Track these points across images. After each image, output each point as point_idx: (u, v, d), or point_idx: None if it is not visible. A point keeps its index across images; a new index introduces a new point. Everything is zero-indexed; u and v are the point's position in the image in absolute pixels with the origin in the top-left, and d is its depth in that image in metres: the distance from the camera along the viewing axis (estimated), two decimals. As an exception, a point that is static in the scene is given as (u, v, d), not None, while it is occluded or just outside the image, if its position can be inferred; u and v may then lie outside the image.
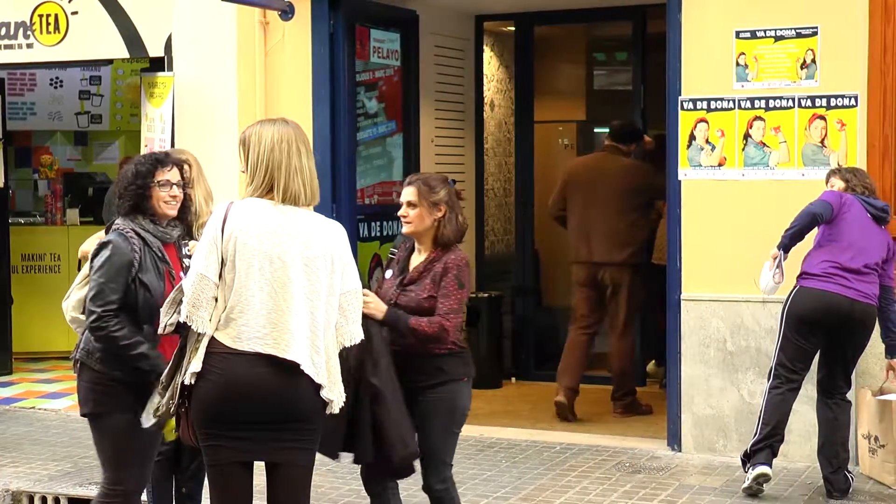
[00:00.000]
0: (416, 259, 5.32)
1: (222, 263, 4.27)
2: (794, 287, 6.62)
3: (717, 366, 7.46)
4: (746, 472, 6.63)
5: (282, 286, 4.26)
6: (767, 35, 7.33)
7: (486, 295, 10.06)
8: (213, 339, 4.28)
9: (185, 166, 5.27)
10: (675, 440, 7.63)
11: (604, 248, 8.87)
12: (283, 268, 4.27)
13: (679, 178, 7.55)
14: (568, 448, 7.77)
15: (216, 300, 4.28)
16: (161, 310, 4.48)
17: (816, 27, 7.22)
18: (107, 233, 5.18)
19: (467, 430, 8.19)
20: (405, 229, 5.28)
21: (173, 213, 5.14)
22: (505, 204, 11.10)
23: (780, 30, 7.30)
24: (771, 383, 6.66)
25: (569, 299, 11.11)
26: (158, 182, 5.06)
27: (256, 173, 4.36)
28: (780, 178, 7.32)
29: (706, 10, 7.45)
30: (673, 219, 7.61)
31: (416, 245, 5.35)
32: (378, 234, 8.97)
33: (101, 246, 5.00)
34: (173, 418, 4.55)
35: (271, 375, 4.25)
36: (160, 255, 5.06)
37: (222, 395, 4.25)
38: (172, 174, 5.11)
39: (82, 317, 5.17)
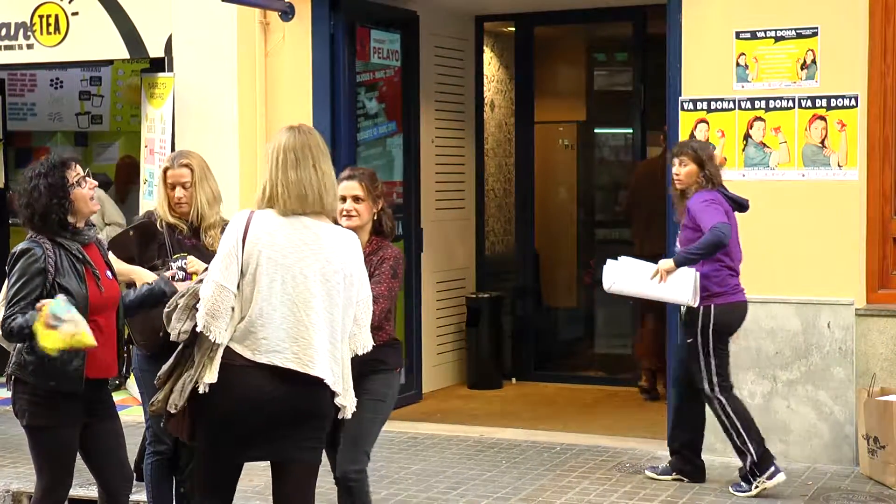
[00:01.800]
0: None
1: (241, 274, 4.27)
2: (709, 306, 6.66)
3: (717, 366, 7.45)
4: (757, 483, 6.63)
5: (304, 301, 4.28)
6: (768, 35, 7.33)
7: (486, 295, 10.07)
8: (228, 350, 4.28)
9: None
10: (675, 441, 7.63)
11: (656, 237, 9.08)
12: (304, 282, 4.28)
13: (679, 179, 7.55)
14: (568, 448, 7.76)
15: (233, 310, 4.27)
16: (173, 315, 4.42)
17: (817, 28, 7.23)
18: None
19: (468, 431, 8.26)
20: (348, 223, 5.14)
21: (97, 206, 5.12)
22: (505, 204, 11.11)
23: (781, 30, 7.30)
24: (724, 396, 6.71)
25: (568, 300, 11.14)
26: (77, 182, 4.99)
27: (261, 183, 4.40)
28: (780, 179, 7.32)
29: (706, 10, 7.45)
30: (673, 219, 7.60)
31: None
32: (378, 234, 8.96)
33: (14, 255, 4.94)
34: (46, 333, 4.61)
35: (290, 389, 4.28)
36: (80, 256, 4.99)
37: (240, 408, 4.27)
38: (79, 169, 5.04)
39: None
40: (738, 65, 7.40)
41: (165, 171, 5.88)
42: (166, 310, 4.47)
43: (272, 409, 4.27)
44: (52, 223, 4.95)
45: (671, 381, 7.26)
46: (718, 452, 7.44)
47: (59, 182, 4.96)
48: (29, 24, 9.06)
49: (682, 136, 7.50)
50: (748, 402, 7.36)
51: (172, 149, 8.30)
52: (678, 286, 6.61)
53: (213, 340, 4.25)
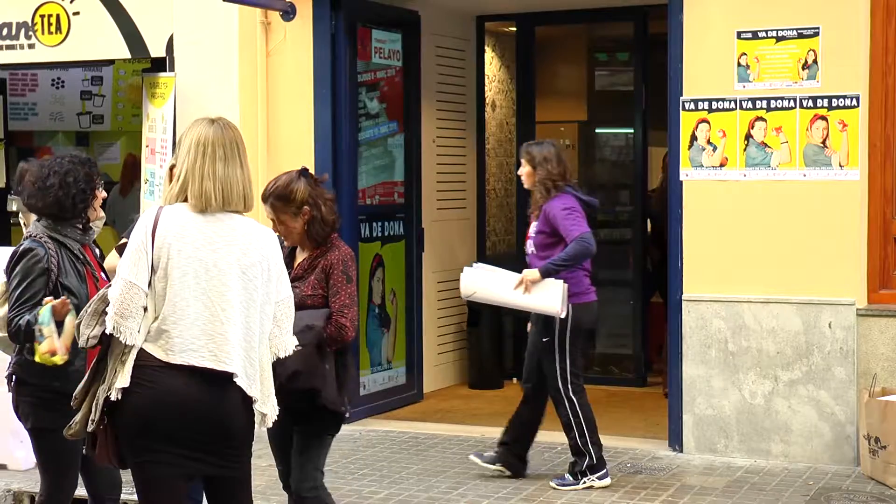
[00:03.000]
0: (300, 255, 5.16)
1: (152, 271, 4.02)
2: (567, 306, 6.71)
3: (718, 366, 7.46)
4: (586, 480, 6.82)
5: (218, 295, 4.03)
6: (769, 35, 7.33)
7: (487, 295, 10.04)
8: (141, 352, 4.02)
9: None
10: (676, 440, 7.64)
11: None
12: (219, 276, 4.04)
13: (680, 179, 7.55)
14: (569, 448, 7.75)
15: (145, 310, 4.01)
16: (81, 322, 4.15)
17: (818, 27, 7.22)
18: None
19: (469, 431, 8.27)
20: (286, 242, 5.09)
21: (103, 216, 5.20)
22: (506, 204, 11.10)
23: (782, 30, 7.30)
24: (576, 397, 6.82)
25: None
26: (98, 185, 5.09)
27: (175, 176, 4.16)
28: (781, 179, 7.32)
29: (708, 10, 7.45)
30: (674, 219, 7.61)
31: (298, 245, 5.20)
32: (379, 234, 8.98)
33: (16, 255, 4.93)
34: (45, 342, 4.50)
35: (205, 390, 4.02)
36: (81, 257, 5.02)
37: (154, 411, 4.00)
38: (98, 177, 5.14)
39: (3, 334, 5.04)
40: (739, 65, 7.39)
41: (172, 168, 5.88)
42: (77, 321, 4.21)
43: (188, 412, 4.01)
44: (78, 211, 5.01)
45: (526, 378, 7.14)
46: (719, 452, 7.45)
47: (94, 175, 5.05)
48: (30, 24, 9.05)
49: (684, 136, 7.51)
50: (749, 402, 7.38)
51: (173, 149, 8.30)
52: (546, 296, 6.64)
53: (124, 342, 3.99)
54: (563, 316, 6.66)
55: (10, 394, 5.09)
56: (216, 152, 4.15)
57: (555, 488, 6.81)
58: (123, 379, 4.01)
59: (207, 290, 4.03)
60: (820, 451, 7.25)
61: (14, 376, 5.03)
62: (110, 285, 4.15)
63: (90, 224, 5.13)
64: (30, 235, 5.01)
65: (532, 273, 6.66)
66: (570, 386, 6.80)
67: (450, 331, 10.03)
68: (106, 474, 5.18)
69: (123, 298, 3.99)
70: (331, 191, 5.69)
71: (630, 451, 7.67)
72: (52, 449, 4.99)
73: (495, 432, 8.21)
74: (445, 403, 9.37)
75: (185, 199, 4.12)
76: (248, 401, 4.12)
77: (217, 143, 4.18)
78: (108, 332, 4.02)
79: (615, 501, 6.61)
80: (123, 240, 6.10)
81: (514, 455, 7.06)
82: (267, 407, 4.18)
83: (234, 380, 4.05)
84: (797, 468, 7.16)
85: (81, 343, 4.16)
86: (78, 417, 4.16)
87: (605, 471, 6.86)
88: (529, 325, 7.07)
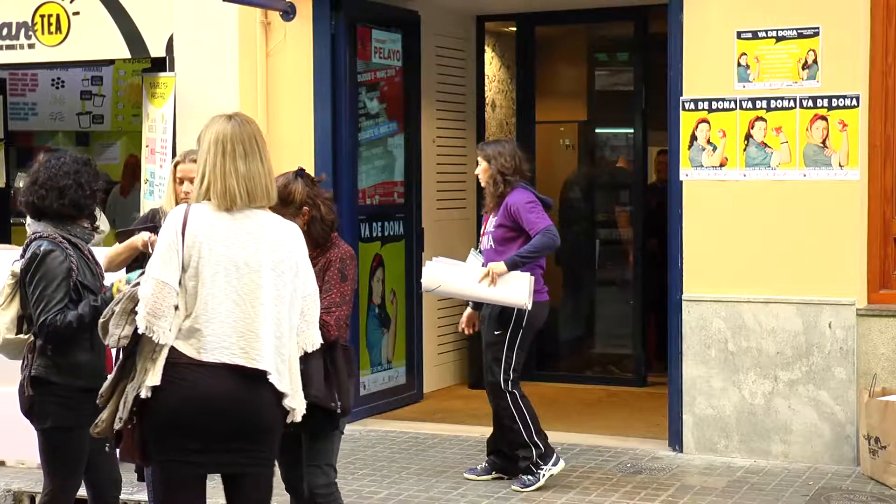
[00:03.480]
0: None
1: (182, 270, 4.05)
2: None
3: (718, 366, 7.46)
4: (543, 471, 6.78)
5: (249, 293, 4.07)
6: (769, 35, 7.33)
7: (487, 295, 10.04)
8: (172, 350, 4.04)
9: None
10: (676, 441, 7.64)
11: None
12: (250, 273, 4.08)
13: (680, 179, 7.55)
14: (569, 448, 7.76)
15: (176, 308, 4.04)
16: (109, 322, 4.15)
17: (818, 27, 7.22)
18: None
19: (469, 431, 8.26)
20: None
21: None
22: (506, 204, 11.09)
23: (782, 30, 7.30)
24: (517, 390, 6.82)
25: (568, 299, 11.13)
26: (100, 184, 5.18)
27: (198, 176, 4.19)
28: (781, 179, 7.32)
29: (707, 10, 7.45)
30: (674, 219, 7.61)
31: None
32: (379, 234, 8.98)
33: (37, 257, 4.92)
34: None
35: (237, 387, 4.06)
36: (91, 256, 5.08)
37: (186, 409, 4.03)
38: None
39: (12, 336, 5.02)
40: (739, 65, 7.39)
41: (176, 165, 5.90)
42: (101, 320, 4.19)
43: (219, 409, 4.04)
44: (90, 208, 5.07)
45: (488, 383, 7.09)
46: (719, 452, 7.45)
47: (98, 173, 5.13)
48: (30, 24, 9.05)
49: (684, 136, 7.51)
50: (749, 402, 7.38)
51: (174, 148, 8.31)
52: (513, 289, 6.64)
53: (156, 342, 4.01)
54: (529, 308, 6.66)
55: (25, 396, 5.05)
56: (236, 149, 4.18)
57: (519, 491, 6.76)
58: (155, 377, 4.03)
59: (238, 289, 4.07)
60: (820, 451, 7.25)
61: (38, 378, 5.00)
62: (137, 284, 4.18)
63: (97, 224, 5.18)
64: (39, 236, 5.00)
65: (499, 266, 6.65)
66: (510, 382, 6.81)
67: (450, 331, 10.02)
68: (107, 473, 5.19)
69: (156, 298, 4.02)
70: (329, 190, 5.69)
71: (630, 451, 7.67)
72: (66, 449, 5.00)
73: (495, 432, 8.23)
74: (445, 403, 9.38)
75: (209, 198, 4.14)
76: (277, 396, 4.16)
77: (236, 139, 4.21)
78: (140, 331, 4.04)
79: (615, 501, 6.61)
80: (131, 228, 6.13)
81: (506, 459, 7.02)
82: (296, 401, 4.22)
83: (267, 377, 4.09)
84: (797, 468, 7.16)
85: (111, 343, 4.16)
86: (104, 415, 4.19)
87: (555, 456, 6.85)
88: (461, 322, 7.13)
